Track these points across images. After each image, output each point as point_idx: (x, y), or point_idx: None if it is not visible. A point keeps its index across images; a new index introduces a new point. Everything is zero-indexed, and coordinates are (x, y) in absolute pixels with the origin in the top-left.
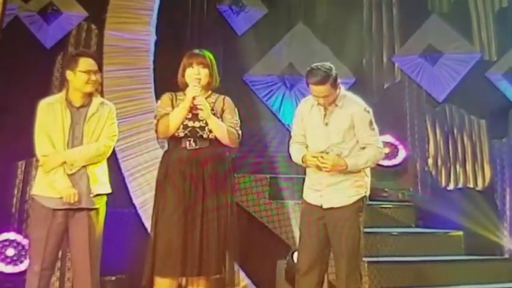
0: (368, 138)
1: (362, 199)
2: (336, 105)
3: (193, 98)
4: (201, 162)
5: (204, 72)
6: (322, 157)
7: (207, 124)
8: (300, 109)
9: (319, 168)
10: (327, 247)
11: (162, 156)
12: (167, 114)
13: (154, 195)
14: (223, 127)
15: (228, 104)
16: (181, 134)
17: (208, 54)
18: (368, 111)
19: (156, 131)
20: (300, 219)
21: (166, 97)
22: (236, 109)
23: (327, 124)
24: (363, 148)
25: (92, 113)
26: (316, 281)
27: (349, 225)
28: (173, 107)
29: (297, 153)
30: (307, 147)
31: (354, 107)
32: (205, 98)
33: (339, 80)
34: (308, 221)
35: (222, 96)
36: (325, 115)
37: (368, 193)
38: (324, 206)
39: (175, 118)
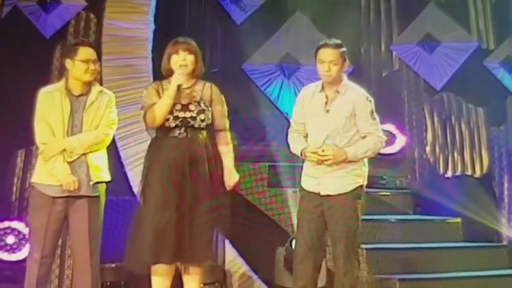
0: (369, 128)
1: (360, 187)
2: (338, 92)
3: (179, 86)
4: (196, 152)
5: (190, 58)
6: (322, 150)
7: (198, 114)
8: (301, 96)
9: (320, 162)
10: (324, 234)
11: (149, 144)
12: (154, 104)
13: (143, 182)
14: (231, 148)
15: (215, 93)
16: (173, 125)
17: (192, 41)
18: (370, 101)
19: (144, 122)
20: (298, 206)
21: (151, 87)
22: (223, 96)
23: (328, 111)
24: (363, 137)
25: (91, 102)
26: (313, 268)
27: (347, 212)
28: (160, 96)
29: (296, 145)
30: (306, 136)
31: (356, 96)
32: (192, 86)
33: (347, 60)
34: (306, 208)
35: (209, 84)
36: (326, 102)
37: (365, 183)
38: (322, 193)
39: (161, 108)
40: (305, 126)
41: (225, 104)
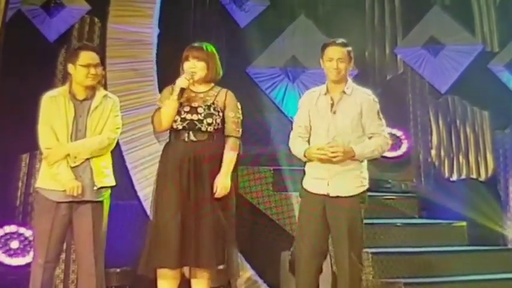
0: (376, 128)
1: (365, 191)
2: (344, 93)
3: (183, 90)
4: (199, 155)
5: (200, 65)
6: (331, 146)
7: (205, 117)
8: (305, 100)
9: (325, 160)
10: (327, 236)
11: (163, 148)
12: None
13: (154, 187)
14: (233, 156)
15: (230, 99)
16: (180, 127)
17: (208, 47)
18: (376, 101)
19: (152, 125)
20: (300, 209)
21: (166, 90)
22: (238, 104)
23: (334, 112)
24: (369, 138)
25: (95, 106)
26: (315, 270)
27: (351, 214)
28: None
29: (298, 147)
30: (308, 141)
31: (362, 96)
32: (206, 91)
33: (352, 60)
34: (311, 211)
35: (225, 90)
36: (332, 104)
37: (368, 186)
38: (331, 195)
39: (166, 111)
40: (310, 130)
41: (239, 112)
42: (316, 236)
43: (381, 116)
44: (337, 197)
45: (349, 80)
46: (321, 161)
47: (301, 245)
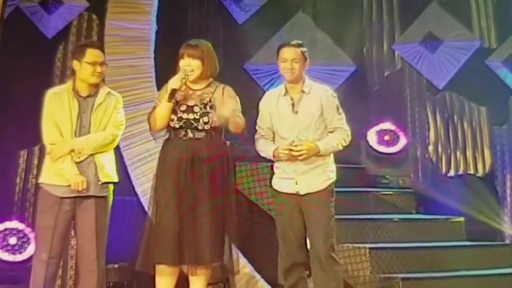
0: (336, 122)
1: (333, 183)
2: (304, 92)
3: (174, 91)
4: (198, 153)
5: (195, 63)
6: (296, 145)
7: (201, 116)
8: (265, 102)
9: (293, 158)
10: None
11: (162, 145)
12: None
13: (153, 183)
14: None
15: (228, 92)
16: (177, 126)
17: (203, 44)
18: (335, 96)
19: (148, 123)
20: (277, 210)
21: (164, 88)
22: (237, 97)
23: (296, 112)
24: (331, 132)
25: (99, 103)
26: (303, 267)
27: (324, 208)
28: None
29: (266, 148)
30: (273, 140)
31: (321, 92)
32: (204, 88)
33: (307, 60)
34: (285, 210)
35: (222, 85)
36: (293, 104)
37: (335, 178)
38: (301, 193)
39: (159, 112)
40: (273, 131)
41: (238, 103)
42: (296, 232)
43: (341, 110)
44: (307, 194)
45: (306, 79)
46: (290, 160)
47: (283, 245)
